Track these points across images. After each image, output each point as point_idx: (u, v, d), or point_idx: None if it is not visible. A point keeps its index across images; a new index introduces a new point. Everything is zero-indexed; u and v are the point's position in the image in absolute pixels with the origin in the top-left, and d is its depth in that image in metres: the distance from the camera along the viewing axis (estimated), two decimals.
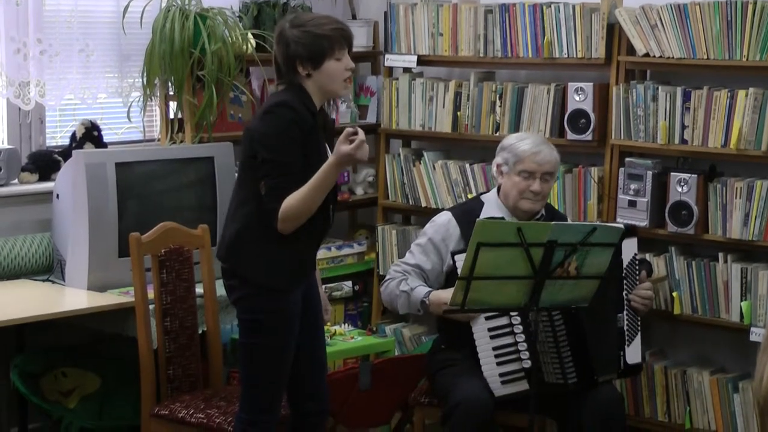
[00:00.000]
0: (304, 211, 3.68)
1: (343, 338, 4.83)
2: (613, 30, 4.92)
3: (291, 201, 3.66)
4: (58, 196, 4.77)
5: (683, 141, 4.72)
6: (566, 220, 4.64)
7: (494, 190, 4.42)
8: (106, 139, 5.18)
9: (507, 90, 5.20)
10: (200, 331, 4.46)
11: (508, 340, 4.18)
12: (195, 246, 4.42)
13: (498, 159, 4.37)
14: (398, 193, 5.62)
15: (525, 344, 4.14)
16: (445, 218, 4.38)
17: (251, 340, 3.81)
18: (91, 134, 5.10)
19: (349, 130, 3.65)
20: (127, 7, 5.08)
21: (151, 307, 4.29)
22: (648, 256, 4.75)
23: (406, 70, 5.59)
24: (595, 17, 4.93)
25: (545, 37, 5.06)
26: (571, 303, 3.90)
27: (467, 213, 4.33)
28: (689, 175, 4.68)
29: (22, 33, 4.82)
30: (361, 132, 3.66)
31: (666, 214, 4.75)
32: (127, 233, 4.30)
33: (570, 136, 5.00)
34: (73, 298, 4.55)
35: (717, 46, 4.58)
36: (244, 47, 5.22)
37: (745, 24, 4.49)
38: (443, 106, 5.41)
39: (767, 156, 4.53)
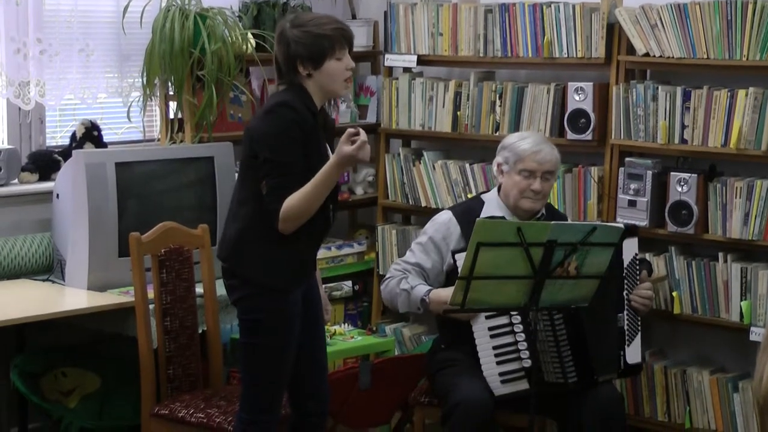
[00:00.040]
0: (305, 211, 3.68)
1: (343, 338, 4.84)
2: (613, 30, 4.92)
3: (292, 201, 3.66)
4: (58, 196, 4.77)
5: (683, 141, 4.72)
6: (566, 220, 4.64)
7: (495, 190, 4.42)
8: (106, 139, 5.18)
9: (507, 90, 5.20)
10: (200, 331, 4.46)
11: (509, 339, 4.18)
12: (195, 246, 4.42)
13: (498, 158, 4.37)
14: (398, 193, 5.62)
15: (525, 343, 4.14)
16: (445, 217, 4.39)
17: (252, 340, 3.81)
18: (91, 134, 5.11)
19: (351, 130, 3.65)
20: (127, 6, 5.08)
21: (151, 306, 4.29)
22: (648, 256, 4.75)
23: (406, 69, 5.59)
24: (595, 17, 4.93)
25: (545, 37, 5.06)
26: (571, 303, 3.90)
27: (468, 212, 4.33)
28: (689, 174, 4.68)
29: (22, 33, 4.82)
30: (363, 133, 3.66)
31: (666, 214, 4.75)
32: (127, 233, 4.30)
33: (570, 135, 5.00)
34: (73, 298, 4.55)
35: (717, 45, 4.58)
36: (244, 47, 5.22)
37: (745, 24, 4.49)
38: (443, 106, 5.41)
39: (767, 156, 4.53)
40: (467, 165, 5.34)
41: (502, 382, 4.15)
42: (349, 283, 5.62)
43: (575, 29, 4.99)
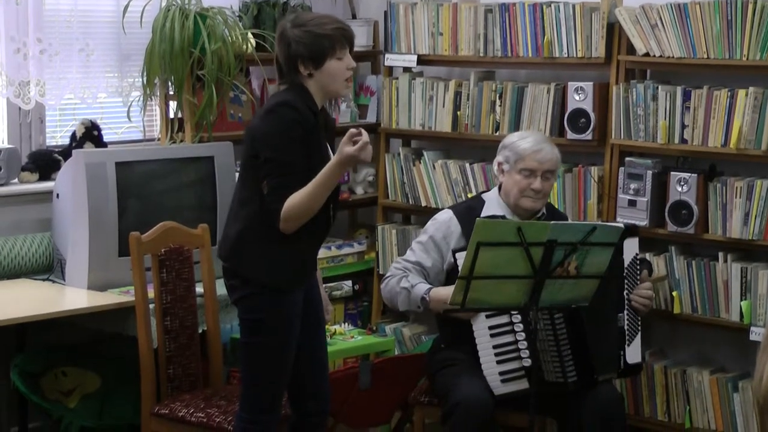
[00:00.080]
0: (306, 210, 3.68)
1: (343, 337, 4.84)
2: (613, 29, 4.92)
3: (293, 201, 3.67)
4: (58, 195, 4.77)
5: (683, 140, 4.72)
6: (567, 220, 4.64)
7: (495, 189, 4.42)
8: (106, 138, 5.18)
9: (507, 89, 5.20)
10: (200, 331, 4.46)
11: (509, 338, 4.18)
12: (195, 245, 4.42)
13: (499, 157, 4.38)
14: (398, 193, 5.62)
15: (525, 343, 4.14)
16: (446, 216, 4.39)
17: (252, 340, 3.81)
18: (91, 134, 5.11)
19: (353, 131, 3.66)
20: (127, 6, 5.09)
21: (151, 306, 4.29)
22: (648, 256, 4.75)
23: (406, 69, 5.59)
24: (595, 17, 4.93)
25: (545, 37, 5.06)
26: (571, 302, 3.89)
27: (468, 211, 4.33)
28: (689, 174, 4.68)
29: (22, 32, 4.82)
30: (365, 133, 3.66)
31: (666, 214, 4.75)
32: (127, 233, 4.30)
33: (570, 135, 5.00)
34: (73, 297, 4.55)
35: (717, 45, 4.58)
36: (244, 47, 5.23)
37: (745, 23, 4.49)
38: (443, 106, 5.41)
39: (767, 155, 4.53)
40: (467, 165, 5.34)
41: (502, 381, 4.15)
42: (349, 282, 5.62)
43: (575, 29, 4.99)
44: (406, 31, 5.52)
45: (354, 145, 3.63)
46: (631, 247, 4.30)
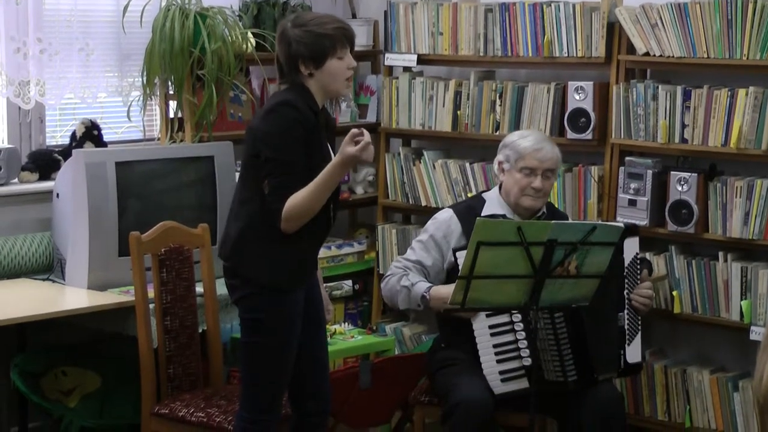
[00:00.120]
0: (307, 210, 3.68)
1: (344, 337, 4.84)
2: (613, 29, 4.92)
3: (294, 200, 3.67)
4: (58, 195, 4.76)
5: (683, 140, 4.72)
6: (567, 219, 4.64)
7: (496, 188, 4.42)
8: (106, 138, 5.18)
9: (507, 89, 5.20)
10: (200, 330, 4.46)
11: (509, 337, 4.18)
12: (195, 245, 4.42)
13: (500, 156, 4.38)
14: (398, 193, 5.62)
15: (525, 342, 4.14)
16: (446, 215, 4.39)
17: (252, 340, 3.81)
18: (91, 133, 5.11)
19: (354, 131, 3.66)
20: (127, 6, 5.09)
21: (151, 306, 4.29)
22: (648, 255, 4.75)
23: (406, 69, 5.59)
24: (595, 16, 4.93)
25: (545, 36, 5.06)
26: (572, 302, 3.89)
27: (469, 210, 4.33)
28: (689, 174, 4.68)
29: (21, 32, 4.82)
30: (366, 133, 3.67)
31: (666, 213, 4.75)
32: (127, 232, 4.30)
33: (570, 135, 5.00)
34: (73, 297, 4.55)
35: (717, 45, 4.58)
36: (244, 46, 5.23)
37: (746, 23, 4.49)
38: (443, 105, 5.41)
39: (767, 155, 4.53)
40: (467, 164, 5.34)
41: (503, 380, 4.15)
42: (349, 282, 5.62)
43: (575, 28, 4.99)
44: (406, 30, 5.52)
45: (356, 146, 3.64)
46: (631, 247, 4.30)
